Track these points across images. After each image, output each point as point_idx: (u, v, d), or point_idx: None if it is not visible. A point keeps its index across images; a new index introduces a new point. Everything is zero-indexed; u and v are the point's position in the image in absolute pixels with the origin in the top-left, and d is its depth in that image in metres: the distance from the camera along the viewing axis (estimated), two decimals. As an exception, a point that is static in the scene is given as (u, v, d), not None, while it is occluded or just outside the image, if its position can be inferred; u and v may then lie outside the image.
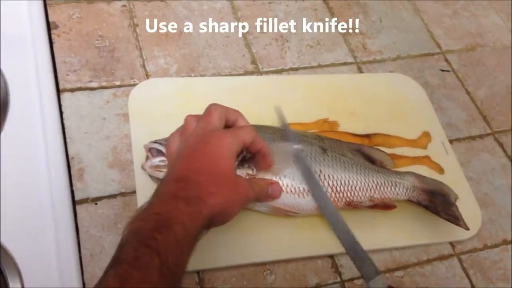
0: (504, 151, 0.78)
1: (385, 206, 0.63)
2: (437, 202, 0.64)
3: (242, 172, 0.57)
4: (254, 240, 0.60)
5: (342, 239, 0.56)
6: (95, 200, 0.60)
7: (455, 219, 0.63)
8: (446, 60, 0.87)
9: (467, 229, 0.63)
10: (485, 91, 0.85)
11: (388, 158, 0.68)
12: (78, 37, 0.73)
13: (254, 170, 0.58)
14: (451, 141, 0.76)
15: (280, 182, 0.59)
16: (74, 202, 0.59)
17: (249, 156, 0.58)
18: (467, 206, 0.68)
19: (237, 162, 0.57)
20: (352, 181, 0.62)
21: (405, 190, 0.64)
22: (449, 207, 0.64)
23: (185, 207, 0.44)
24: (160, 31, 0.76)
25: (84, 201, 0.60)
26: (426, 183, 0.65)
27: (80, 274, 0.55)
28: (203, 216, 0.45)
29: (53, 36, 0.72)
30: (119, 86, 0.70)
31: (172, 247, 0.42)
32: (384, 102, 0.77)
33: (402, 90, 0.79)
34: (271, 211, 0.59)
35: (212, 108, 0.54)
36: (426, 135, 0.74)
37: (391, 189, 0.63)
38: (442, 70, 0.86)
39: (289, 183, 0.59)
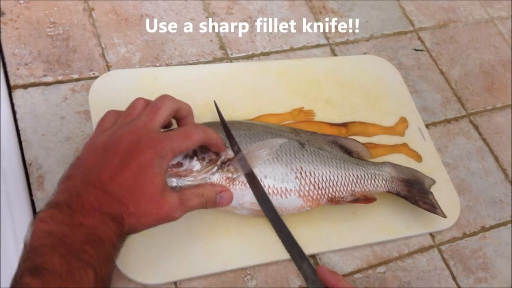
0: (479, 134, 0.77)
1: (366, 199, 0.61)
2: (414, 192, 0.63)
3: (222, 176, 0.54)
4: (233, 245, 0.57)
5: (283, 240, 0.57)
6: (59, 210, 0.55)
7: (433, 207, 0.63)
8: (420, 38, 0.85)
9: (444, 216, 0.63)
10: (459, 70, 0.83)
11: (365, 149, 0.66)
12: (27, 25, 0.66)
13: (234, 173, 0.54)
14: (427, 126, 0.75)
15: (262, 184, 0.56)
16: (35, 214, 0.54)
17: (227, 159, 0.55)
18: (446, 194, 0.67)
19: (216, 167, 0.54)
20: (334, 176, 0.59)
21: (384, 182, 0.62)
22: (426, 195, 0.64)
23: (112, 225, 0.44)
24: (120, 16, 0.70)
25: (46, 212, 0.55)
26: (403, 173, 0.64)
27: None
28: (124, 233, 0.45)
29: (-1, 25, 0.65)
30: (78, 80, 0.64)
31: (105, 262, 0.42)
32: (360, 87, 0.74)
33: (377, 74, 0.76)
34: (252, 214, 0.56)
35: (162, 102, 0.51)
36: (403, 121, 0.72)
37: (371, 181, 0.61)
38: (416, 50, 0.83)
39: (270, 183, 0.56)
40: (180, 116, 0.53)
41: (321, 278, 0.54)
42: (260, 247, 0.58)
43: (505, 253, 0.67)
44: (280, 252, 0.58)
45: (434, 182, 0.66)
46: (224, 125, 0.58)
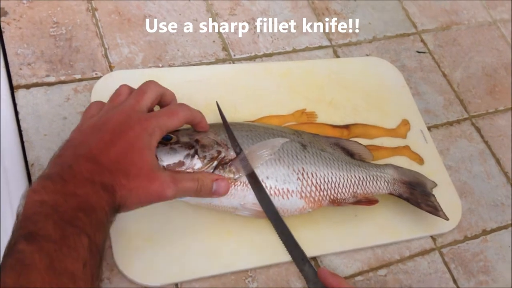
0: (481, 136, 0.77)
1: (368, 201, 0.61)
2: (416, 194, 0.63)
3: (224, 176, 0.54)
4: (234, 247, 0.57)
5: (284, 241, 0.57)
6: (60, 211, 0.55)
7: (435, 210, 0.63)
8: (422, 40, 0.85)
9: (447, 219, 0.63)
10: (461, 72, 0.83)
11: (367, 151, 0.66)
12: (30, 24, 0.66)
13: (236, 174, 0.54)
14: (429, 128, 0.74)
15: (263, 184, 0.56)
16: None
17: (229, 159, 0.55)
18: (448, 197, 0.67)
19: (216, 162, 0.54)
20: (335, 177, 0.59)
21: (386, 184, 0.62)
22: (428, 198, 0.64)
23: (104, 194, 0.44)
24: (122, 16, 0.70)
25: (48, 212, 0.55)
26: (405, 175, 0.64)
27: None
28: (116, 205, 0.45)
29: (2, 24, 0.64)
30: (80, 80, 0.64)
31: (98, 229, 0.43)
32: (362, 89, 0.74)
33: (380, 76, 0.76)
34: (254, 215, 0.56)
35: (148, 86, 0.52)
36: (405, 123, 0.72)
37: (373, 183, 0.61)
38: (419, 52, 0.83)
39: (272, 184, 0.56)
40: (164, 102, 0.54)
41: (322, 280, 0.55)
42: (262, 249, 0.58)
43: (506, 256, 0.67)
44: (281, 254, 0.58)
45: (435, 184, 0.66)
46: (226, 126, 0.58)
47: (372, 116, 0.71)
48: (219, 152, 0.54)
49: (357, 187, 0.60)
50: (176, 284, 0.54)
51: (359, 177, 0.61)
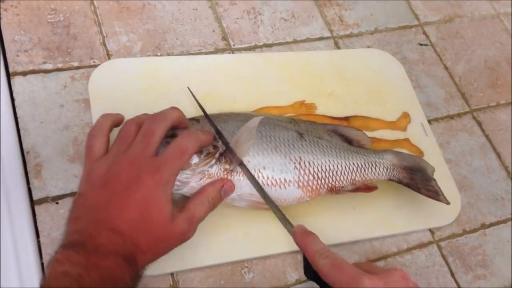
0: (482, 130, 0.76)
1: (367, 188, 0.61)
2: (416, 179, 0.62)
3: (220, 168, 0.53)
4: (231, 238, 0.56)
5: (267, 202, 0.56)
6: (56, 199, 0.55)
7: (436, 194, 0.61)
8: (424, 32, 0.84)
9: (448, 203, 0.61)
10: (463, 66, 0.82)
11: (365, 137, 0.65)
12: (28, 11, 0.65)
13: (231, 165, 0.54)
14: (429, 121, 0.74)
15: (260, 175, 0.55)
16: (33, 202, 0.54)
17: (224, 149, 0.54)
18: (447, 190, 0.65)
19: (214, 159, 0.53)
20: (333, 165, 0.59)
21: (385, 170, 0.61)
22: (429, 182, 0.62)
23: (126, 266, 0.44)
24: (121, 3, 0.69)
25: (44, 200, 0.54)
26: (404, 160, 0.63)
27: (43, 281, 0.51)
28: (137, 273, 0.46)
29: (-1, 11, 0.64)
30: (77, 68, 0.63)
31: None
32: (363, 81, 0.73)
33: (381, 68, 0.75)
34: (251, 206, 0.56)
35: (155, 126, 0.49)
36: (406, 116, 0.72)
37: (371, 170, 0.61)
38: (421, 44, 0.82)
39: (269, 174, 0.56)
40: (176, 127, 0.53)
41: (294, 240, 0.54)
42: (258, 240, 0.57)
43: (504, 250, 0.66)
44: (278, 246, 0.57)
45: (434, 169, 0.64)
46: (205, 113, 0.58)
47: (372, 108, 0.71)
48: (215, 147, 0.54)
49: (356, 174, 0.60)
50: (172, 274, 0.54)
51: (358, 164, 0.60)
